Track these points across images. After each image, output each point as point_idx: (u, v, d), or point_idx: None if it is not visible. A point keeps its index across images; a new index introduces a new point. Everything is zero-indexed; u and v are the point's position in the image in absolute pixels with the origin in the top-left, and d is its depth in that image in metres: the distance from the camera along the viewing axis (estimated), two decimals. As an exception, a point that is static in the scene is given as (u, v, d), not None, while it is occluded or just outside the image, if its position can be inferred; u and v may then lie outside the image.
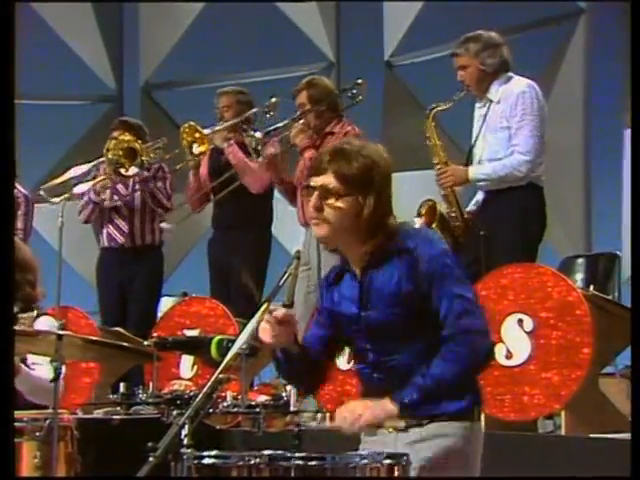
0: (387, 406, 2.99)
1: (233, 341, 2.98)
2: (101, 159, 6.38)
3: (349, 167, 3.03)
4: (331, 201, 3.03)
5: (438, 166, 5.51)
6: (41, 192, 6.42)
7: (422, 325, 3.05)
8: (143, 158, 6.30)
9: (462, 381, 3.01)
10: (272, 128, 6.01)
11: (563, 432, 4.78)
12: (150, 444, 2.81)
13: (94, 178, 6.45)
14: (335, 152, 3.08)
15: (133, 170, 6.35)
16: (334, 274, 3.23)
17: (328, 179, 3.04)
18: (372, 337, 3.11)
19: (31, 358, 4.34)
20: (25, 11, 9.28)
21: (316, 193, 3.05)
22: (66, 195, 6.24)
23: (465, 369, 3.00)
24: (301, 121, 5.93)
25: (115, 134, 6.43)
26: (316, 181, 3.06)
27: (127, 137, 6.36)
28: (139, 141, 6.38)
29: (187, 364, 5.69)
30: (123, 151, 6.31)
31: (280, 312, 3.02)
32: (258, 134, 6.02)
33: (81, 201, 6.65)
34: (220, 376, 2.88)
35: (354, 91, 5.92)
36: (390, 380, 3.06)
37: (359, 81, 5.95)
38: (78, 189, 6.41)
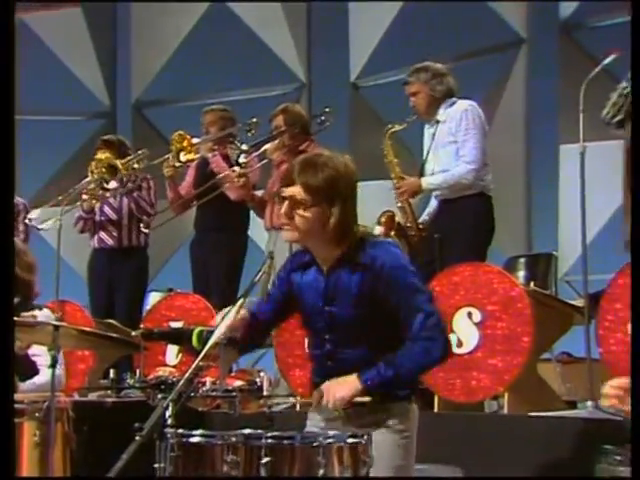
0: (355, 383, 3.00)
1: (212, 332, 2.97)
2: (87, 179, 6.36)
3: (316, 179, 3.00)
4: (300, 211, 3.02)
5: (395, 180, 5.52)
6: (32, 221, 6.42)
7: (378, 325, 3.06)
8: (123, 172, 6.29)
9: (416, 375, 3.11)
10: (254, 143, 6.04)
11: (506, 411, 4.78)
12: (137, 424, 2.79)
13: (80, 195, 6.42)
14: (303, 164, 3.06)
15: (113, 184, 6.35)
16: (300, 261, 3.20)
17: (297, 190, 3.02)
18: (332, 330, 3.11)
19: (32, 349, 4.31)
20: (24, 31, 9.23)
21: (286, 202, 3.03)
22: (56, 219, 6.16)
23: (422, 368, 3.10)
24: (277, 140, 5.99)
25: (97, 155, 6.40)
26: (286, 192, 3.04)
27: (105, 155, 6.36)
28: (118, 157, 6.37)
29: (172, 352, 5.66)
30: (105, 169, 6.31)
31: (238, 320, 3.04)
32: (244, 146, 6.03)
33: (75, 217, 6.64)
34: (200, 363, 2.86)
35: (322, 117, 5.98)
36: (341, 368, 3.08)
37: (327, 109, 6.01)
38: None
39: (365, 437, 2.94)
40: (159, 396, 3.22)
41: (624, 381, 2.55)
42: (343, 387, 3.00)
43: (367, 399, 3.02)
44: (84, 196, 6.37)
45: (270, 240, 5.97)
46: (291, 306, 3.24)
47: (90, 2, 9.83)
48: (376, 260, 3.03)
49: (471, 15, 8.23)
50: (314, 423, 3.18)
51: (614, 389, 2.54)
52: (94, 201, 6.46)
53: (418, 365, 3.04)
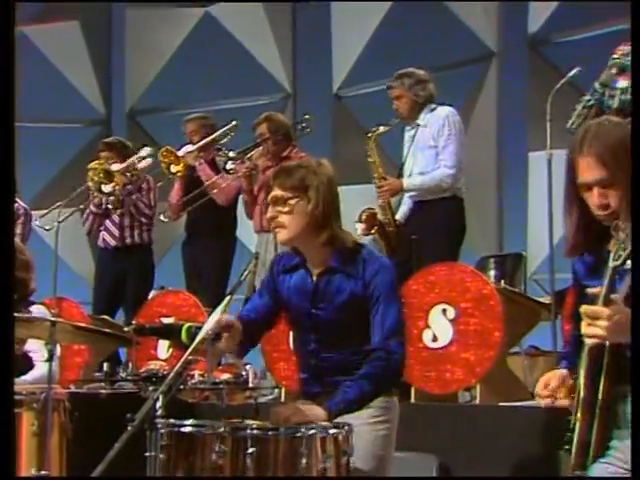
0: (317, 412, 2.96)
1: (200, 328, 2.95)
2: (86, 185, 6.34)
3: (289, 179, 3.06)
4: (280, 207, 3.06)
5: (377, 180, 5.50)
6: (36, 222, 6.40)
7: (361, 329, 3.05)
8: (117, 176, 6.24)
9: (380, 390, 3.05)
10: (242, 149, 6.00)
11: (478, 402, 4.76)
12: (129, 415, 2.77)
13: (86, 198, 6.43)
14: (277, 171, 3.15)
15: (107, 188, 6.29)
16: (287, 263, 3.19)
17: (275, 192, 3.08)
18: (317, 331, 3.10)
19: (27, 346, 4.29)
20: (24, 42, 9.19)
21: (270, 207, 3.09)
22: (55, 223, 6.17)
23: (384, 384, 3.07)
24: (261, 147, 5.96)
25: (92, 164, 6.36)
26: (268, 198, 3.11)
27: (98, 164, 6.31)
28: (119, 158, 6.35)
29: (163, 347, 5.62)
30: (102, 173, 6.27)
31: (224, 319, 2.98)
32: (231, 154, 5.99)
33: (84, 215, 6.60)
34: (189, 357, 2.84)
35: (304, 124, 5.99)
36: (325, 367, 3.08)
37: (306, 116, 6.04)
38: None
39: (346, 428, 2.93)
40: (150, 388, 3.21)
41: (550, 377, 2.54)
42: (303, 413, 2.95)
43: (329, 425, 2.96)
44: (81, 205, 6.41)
45: (261, 242, 5.94)
46: (280, 306, 3.23)
47: (87, 15, 9.79)
48: (369, 272, 3.04)
49: (446, 30, 8.28)
50: None
51: (544, 390, 2.54)
52: (94, 204, 6.43)
53: (381, 382, 3.03)
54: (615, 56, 4.75)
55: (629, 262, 2.25)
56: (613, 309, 2.26)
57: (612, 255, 2.29)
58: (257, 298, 3.27)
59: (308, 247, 3.11)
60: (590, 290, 2.33)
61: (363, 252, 3.10)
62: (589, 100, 4.91)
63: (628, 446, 2.39)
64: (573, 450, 2.44)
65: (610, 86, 4.83)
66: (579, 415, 2.40)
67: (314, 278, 3.10)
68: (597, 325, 2.26)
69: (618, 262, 2.26)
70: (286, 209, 3.04)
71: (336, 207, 3.11)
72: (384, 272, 3.06)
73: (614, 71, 4.76)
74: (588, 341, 2.34)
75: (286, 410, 2.99)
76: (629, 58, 4.69)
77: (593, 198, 2.41)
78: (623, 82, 4.78)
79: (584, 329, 2.30)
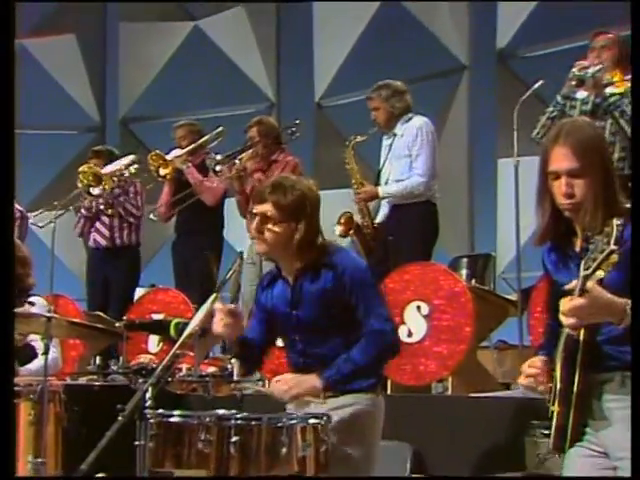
0: (314, 381, 2.98)
1: (187, 324, 2.93)
2: (77, 189, 6.31)
3: (285, 198, 3.00)
4: (269, 226, 3.02)
5: (355, 185, 5.49)
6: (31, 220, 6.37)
7: (342, 324, 3.03)
8: (106, 179, 6.21)
9: (372, 367, 3.05)
10: (229, 153, 5.94)
11: (450, 393, 4.78)
12: (119, 406, 2.75)
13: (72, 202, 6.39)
14: (274, 185, 3.06)
15: (96, 191, 6.25)
16: (268, 279, 3.20)
17: (267, 207, 3.01)
18: (301, 331, 3.09)
19: (30, 337, 4.28)
20: (24, 55, 9.16)
21: (257, 218, 3.03)
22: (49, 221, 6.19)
23: (375, 359, 3.05)
24: (251, 150, 5.89)
25: (82, 167, 6.33)
26: (258, 209, 3.04)
27: (87, 167, 6.27)
28: (107, 165, 6.33)
29: (154, 341, 5.59)
30: (91, 176, 6.22)
31: (231, 306, 3.00)
32: (218, 157, 5.93)
33: (76, 219, 6.55)
34: (177, 352, 2.83)
35: (293, 129, 5.92)
36: (314, 365, 3.05)
37: (297, 121, 5.96)
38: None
39: (324, 418, 2.92)
40: (140, 380, 3.19)
41: (539, 360, 2.54)
42: (300, 385, 2.97)
43: (322, 398, 2.97)
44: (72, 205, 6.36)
45: (252, 243, 5.87)
46: (273, 320, 3.20)
47: (83, 29, 9.76)
48: (338, 265, 3.02)
49: (421, 45, 8.28)
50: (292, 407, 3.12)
51: (531, 369, 2.53)
52: (85, 206, 6.40)
53: (372, 358, 3.01)
54: (575, 70, 4.77)
55: (598, 273, 2.27)
56: (588, 301, 2.27)
57: (582, 264, 2.31)
58: (253, 320, 3.26)
59: (285, 259, 3.10)
60: (567, 287, 2.34)
61: (329, 249, 3.09)
62: (552, 111, 4.93)
63: (603, 433, 2.42)
64: (552, 436, 2.45)
65: (571, 97, 4.85)
66: (556, 404, 2.42)
67: (290, 284, 3.10)
68: (573, 316, 2.29)
69: (588, 272, 2.28)
70: (275, 229, 3.00)
71: (318, 229, 3.09)
72: (353, 261, 3.07)
73: (574, 83, 4.78)
74: (567, 327, 2.35)
75: (285, 383, 2.97)
76: (588, 71, 4.72)
77: (561, 186, 2.45)
78: (582, 93, 4.81)
79: (561, 318, 2.32)
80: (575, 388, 2.39)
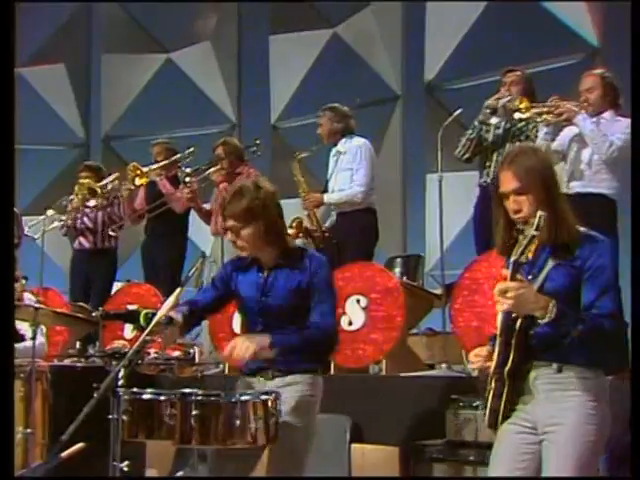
0: (264, 339, 2.92)
1: (155, 314, 2.89)
2: (72, 197, 6.27)
3: (236, 206, 2.97)
4: (236, 237, 3.00)
5: (303, 195, 5.47)
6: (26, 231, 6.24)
7: (301, 315, 3.00)
8: (99, 192, 6.21)
9: (309, 353, 3.00)
10: (197, 167, 5.94)
11: (384, 373, 4.78)
12: (95, 385, 2.70)
13: (65, 207, 6.32)
14: (228, 201, 3.02)
15: (92, 202, 6.25)
16: (239, 264, 3.14)
17: (229, 222, 3.00)
18: (264, 316, 3.04)
19: (17, 324, 4.20)
20: (19, 81, 8.93)
21: (229, 232, 3.02)
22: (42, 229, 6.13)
23: (318, 343, 3.00)
24: (218, 166, 5.86)
25: (80, 179, 6.30)
26: (225, 225, 3.04)
27: (86, 181, 6.25)
28: (96, 179, 6.29)
29: (129, 328, 5.52)
30: (87, 190, 6.21)
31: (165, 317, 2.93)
32: (188, 170, 5.95)
33: (61, 223, 6.45)
34: (146, 338, 2.79)
35: (254, 148, 5.94)
36: None
37: (257, 142, 5.98)
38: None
39: (274, 395, 2.90)
40: (114, 363, 3.14)
41: (481, 349, 2.54)
42: (252, 341, 2.91)
43: (270, 355, 2.92)
44: (62, 216, 6.30)
45: (216, 243, 5.82)
46: (227, 297, 3.16)
47: (71, 59, 9.64)
48: (311, 266, 3.01)
49: (358, 75, 8.29)
50: (245, 385, 3.09)
51: (476, 357, 2.53)
52: (75, 213, 6.35)
53: (315, 341, 2.98)
54: (489, 100, 4.87)
55: (523, 257, 2.30)
56: (517, 284, 2.30)
57: (514, 251, 2.34)
58: (210, 288, 3.20)
59: (262, 252, 3.06)
60: (503, 272, 2.37)
61: (307, 252, 3.10)
62: (471, 134, 4.98)
63: (532, 410, 2.42)
64: (486, 412, 2.44)
65: (486, 123, 4.93)
66: (492, 383, 2.42)
67: (265, 273, 3.06)
68: (505, 297, 2.29)
69: (515, 257, 2.31)
70: (243, 233, 2.98)
71: (281, 218, 3.07)
72: (325, 268, 3.05)
73: (488, 112, 4.88)
74: (499, 310, 2.35)
75: (237, 347, 2.89)
76: (500, 102, 4.82)
77: (509, 204, 2.48)
78: (495, 119, 4.90)
79: (496, 303, 2.33)
80: (508, 367, 2.38)
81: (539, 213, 2.32)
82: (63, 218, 6.37)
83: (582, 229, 2.48)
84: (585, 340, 2.33)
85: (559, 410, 2.38)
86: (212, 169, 5.85)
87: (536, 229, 2.30)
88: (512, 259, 2.33)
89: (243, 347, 2.87)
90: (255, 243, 2.99)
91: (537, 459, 2.41)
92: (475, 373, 2.68)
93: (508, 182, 2.47)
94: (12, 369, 3.50)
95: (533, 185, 2.44)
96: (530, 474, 2.41)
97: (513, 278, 2.31)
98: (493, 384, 2.41)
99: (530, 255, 2.35)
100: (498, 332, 2.42)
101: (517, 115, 4.68)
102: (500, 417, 2.42)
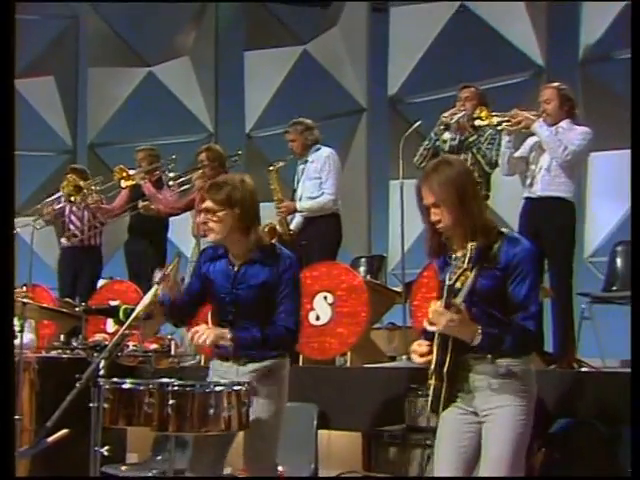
0: (224, 334, 2.91)
1: (134, 309, 2.85)
2: (58, 194, 6.19)
3: (219, 193, 2.95)
4: (210, 216, 2.95)
5: (276, 201, 5.45)
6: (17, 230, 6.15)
7: (269, 307, 2.96)
8: (85, 191, 6.12)
9: (271, 349, 2.97)
10: (182, 173, 5.91)
11: (349, 364, 4.78)
12: (77, 375, 2.67)
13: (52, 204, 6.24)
14: (210, 185, 3.01)
15: (77, 199, 6.14)
16: (210, 255, 3.09)
17: (208, 203, 2.96)
18: (236, 306, 3.00)
19: None
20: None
21: (202, 214, 2.97)
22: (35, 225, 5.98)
23: (280, 340, 2.97)
24: (200, 171, 5.80)
25: (67, 176, 6.22)
26: (201, 206, 3.00)
27: (73, 178, 6.17)
28: (82, 180, 6.21)
29: (111, 323, 5.45)
30: (73, 187, 6.12)
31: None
32: (171, 174, 5.90)
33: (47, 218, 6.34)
34: (125, 331, 2.75)
35: (236, 158, 5.91)
36: None
37: (239, 152, 5.97)
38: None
39: (246, 385, 2.87)
40: (95, 355, 3.09)
41: (420, 344, 2.56)
42: (213, 332, 2.89)
43: (229, 343, 2.90)
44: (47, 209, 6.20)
45: (196, 244, 5.71)
46: (205, 292, 3.10)
47: (60, 72, 9.53)
48: (282, 263, 2.98)
49: (327, 89, 8.29)
50: (215, 373, 3.05)
51: (417, 352, 2.55)
52: (60, 209, 6.25)
53: (276, 340, 2.96)
54: (443, 116, 4.90)
55: (458, 283, 2.35)
56: (449, 314, 2.34)
57: (447, 276, 2.39)
58: (189, 284, 3.16)
59: (233, 244, 3.01)
60: (443, 281, 2.42)
61: (278, 250, 3.04)
62: (427, 144, 5.02)
63: (471, 397, 2.48)
64: (429, 403, 2.49)
65: (439, 137, 4.99)
66: (433, 378, 2.46)
67: (236, 266, 3.01)
68: (438, 321, 2.36)
69: (451, 282, 2.37)
70: (215, 218, 2.94)
71: (256, 213, 3.03)
72: (294, 267, 3.01)
73: (442, 127, 4.92)
74: (430, 329, 2.41)
75: (198, 333, 2.87)
76: (454, 117, 4.87)
77: (431, 215, 2.52)
78: (447, 135, 4.96)
79: (429, 322, 2.39)
80: (446, 368, 2.43)
81: (470, 245, 2.36)
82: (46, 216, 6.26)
83: (504, 230, 2.53)
84: (515, 342, 2.42)
85: (495, 395, 2.46)
86: (195, 174, 5.81)
87: (469, 263, 2.34)
88: (447, 284, 2.37)
89: (203, 335, 2.85)
90: (227, 227, 2.93)
91: (477, 437, 2.49)
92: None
93: (426, 196, 2.52)
94: (12, 365, 3.44)
95: (447, 197, 2.47)
96: (472, 451, 2.49)
97: (447, 304, 2.35)
98: (433, 381, 2.46)
99: (462, 281, 2.38)
100: (436, 338, 2.46)
101: (477, 122, 4.73)
102: (441, 406, 2.47)
